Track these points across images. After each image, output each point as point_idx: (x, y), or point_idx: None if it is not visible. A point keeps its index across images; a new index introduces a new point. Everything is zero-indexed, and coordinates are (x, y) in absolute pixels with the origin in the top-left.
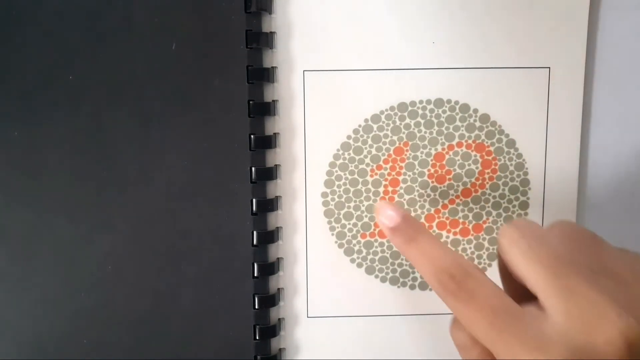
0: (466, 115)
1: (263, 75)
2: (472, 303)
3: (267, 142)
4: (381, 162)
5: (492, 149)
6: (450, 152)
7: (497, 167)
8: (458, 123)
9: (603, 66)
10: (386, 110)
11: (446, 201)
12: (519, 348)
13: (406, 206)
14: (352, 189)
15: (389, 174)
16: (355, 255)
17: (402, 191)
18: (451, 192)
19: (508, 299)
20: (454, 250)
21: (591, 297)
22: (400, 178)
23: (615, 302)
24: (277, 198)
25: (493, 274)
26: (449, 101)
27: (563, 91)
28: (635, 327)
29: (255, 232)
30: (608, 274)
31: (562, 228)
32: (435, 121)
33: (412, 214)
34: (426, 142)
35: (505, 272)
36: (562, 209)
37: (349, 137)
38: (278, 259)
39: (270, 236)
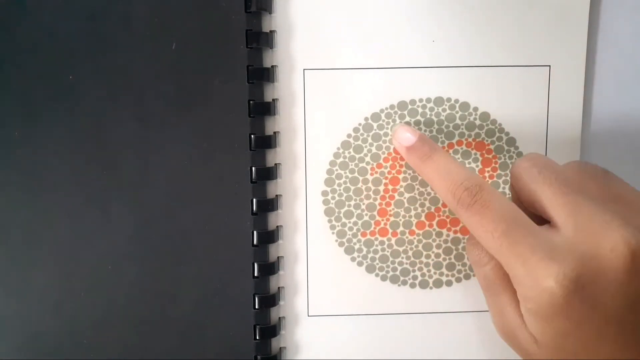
0: (466, 113)
1: (263, 75)
2: (486, 214)
3: (268, 141)
4: (381, 161)
5: (492, 147)
6: (451, 151)
7: (497, 166)
8: (458, 121)
9: (603, 64)
10: (386, 108)
11: None
12: (530, 256)
13: (406, 204)
14: (352, 188)
15: (389, 172)
16: (355, 254)
17: (402, 189)
18: None
19: (520, 212)
20: (467, 167)
21: (597, 211)
22: (401, 176)
23: (623, 217)
24: (277, 197)
25: None
26: (449, 99)
27: (563, 89)
28: (638, 236)
29: (255, 232)
30: (617, 201)
31: (575, 163)
32: (435, 119)
33: (412, 212)
34: None
35: (518, 203)
36: None
37: (349, 135)
38: (278, 258)
39: (270, 236)
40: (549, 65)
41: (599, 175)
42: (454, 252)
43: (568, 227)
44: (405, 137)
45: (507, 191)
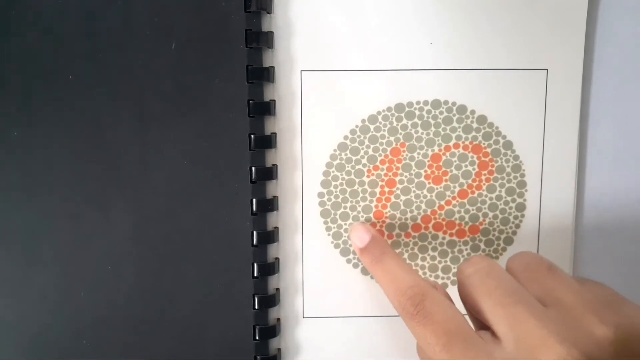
0: (463, 116)
1: (263, 75)
2: (428, 325)
3: (267, 141)
4: (378, 163)
5: (489, 150)
6: (447, 154)
7: (494, 169)
8: (455, 124)
9: (601, 68)
10: (383, 110)
11: (443, 202)
12: None
13: (402, 207)
14: (348, 190)
15: (385, 175)
16: (351, 256)
17: (398, 192)
18: (448, 193)
19: (464, 323)
20: (416, 273)
21: (536, 325)
22: (397, 179)
23: (559, 331)
24: (275, 198)
25: None
26: (446, 102)
27: (561, 93)
28: (575, 354)
29: (255, 232)
30: (557, 305)
31: (519, 259)
32: (432, 122)
33: (409, 214)
34: (423, 143)
35: (464, 305)
36: (559, 210)
37: (346, 137)
38: (276, 259)
39: (269, 236)
40: (547, 69)
41: (542, 272)
42: (450, 255)
43: (509, 341)
44: (359, 236)
45: (504, 194)
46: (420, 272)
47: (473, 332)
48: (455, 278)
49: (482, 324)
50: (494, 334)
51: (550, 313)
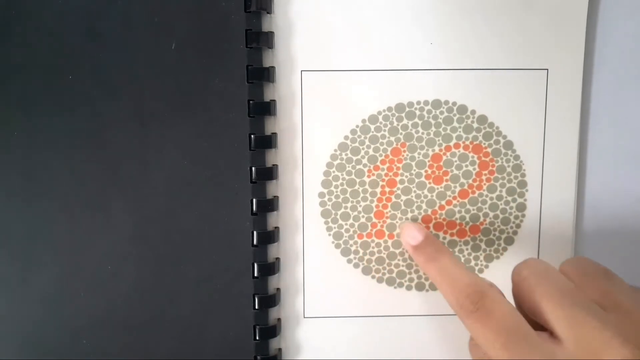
0: (464, 116)
1: (263, 75)
2: (488, 323)
3: (267, 141)
4: (378, 163)
5: (489, 150)
6: (448, 153)
7: (494, 169)
8: (455, 124)
9: (601, 68)
10: (384, 110)
11: (443, 202)
12: None
13: (403, 207)
14: (349, 190)
15: (386, 175)
16: (352, 256)
17: (399, 192)
18: (448, 193)
19: (523, 322)
20: (473, 272)
21: (597, 326)
22: (398, 179)
23: (622, 333)
24: (275, 198)
25: (490, 275)
26: (446, 102)
27: (561, 93)
28: (637, 354)
29: (255, 232)
30: (615, 308)
31: (575, 264)
32: (433, 122)
33: (409, 214)
34: (423, 143)
35: (520, 309)
36: (560, 210)
37: (346, 137)
38: (276, 259)
39: (270, 236)
40: (547, 69)
41: (598, 277)
42: None
43: (569, 342)
44: (412, 235)
45: (505, 194)
46: (421, 272)
47: (533, 332)
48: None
49: (537, 327)
50: (552, 335)
51: (610, 316)
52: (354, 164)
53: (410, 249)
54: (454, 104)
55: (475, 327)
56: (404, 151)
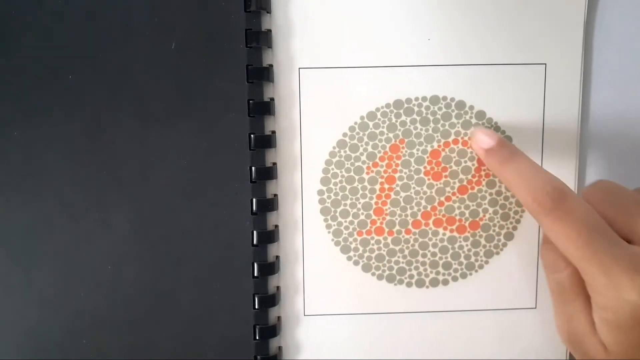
0: (462, 112)
1: (263, 75)
2: (569, 221)
3: (267, 141)
4: (377, 160)
5: None
6: (447, 149)
7: None
8: (454, 120)
9: (600, 62)
10: (382, 107)
11: (442, 198)
12: (613, 267)
13: (402, 203)
14: (348, 187)
15: (385, 172)
16: (351, 253)
17: (398, 188)
18: (447, 189)
19: (603, 222)
20: (548, 172)
21: None
22: (397, 175)
23: None
24: (275, 197)
25: (490, 271)
26: (444, 98)
27: (559, 88)
28: None
29: (255, 232)
30: None
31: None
32: (431, 118)
33: (409, 211)
34: (422, 139)
35: None
36: None
37: (344, 134)
38: (277, 257)
39: (270, 236)
40: (545, 64)
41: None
42: (450, 251)
43: None
44: (483, 139)
45: (504, 189)
46: (421, 269)
47: (614, 232)
48: (457, 274)
49: None
50: (630, 242)
51: None
52: (352, 161)
53: (482, 153)
54: (452, 99)
55: (554, 225)
56: (403, 148)
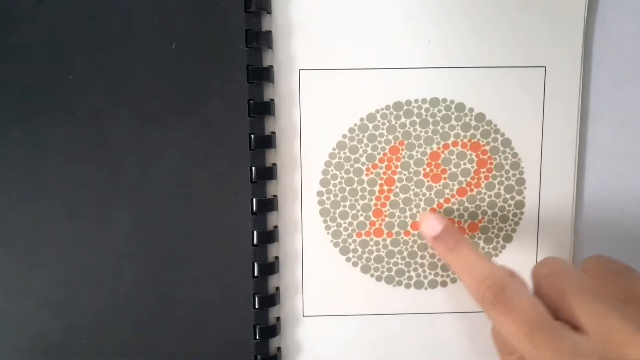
0: (462, 114)
1: (263, 75)
2: (509, 315)
3: (267, 141)
4: (377, 161)
5: (487, 148)
6: (446, 151)
7: (492, 166)
8: (453, 122)
9: (600, 65)
10: (382, 109)
11: (441, 200)
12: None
13: (402, 205)
14: (347, 188)
15: (384, 173)
16: (350, 254)
17: (397, 190)
18: (446, 191)
19: (544, 312)
20: (493, 261)
21: (620, 320)
22: (396, 177)
23: None
24: (275, 197)
25: None
26: (444, 100)
27: (559, 90)
28: None
29: (255, 232)
30: (638, 303)
31: (596, 262)
32: (431, 120)
33: (408, 212)
34: (421, 141)
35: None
36: (558, 208)
37: (344, 136)
38: (276, 258)
39: (270, 235)
40: (544, 66)
41: (619, 274)
42: None
43: (595, 334)
44: (432, 225)
45: (503, 192)
46: (420, 270)
47: (556, 322)
48: (456, 276)
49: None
50: (574, 328)
51: (633, 310)
52: (352, 162)
53: (430, 239)
54: (452, 101)
55: (497, 318)
56: (402, 149)
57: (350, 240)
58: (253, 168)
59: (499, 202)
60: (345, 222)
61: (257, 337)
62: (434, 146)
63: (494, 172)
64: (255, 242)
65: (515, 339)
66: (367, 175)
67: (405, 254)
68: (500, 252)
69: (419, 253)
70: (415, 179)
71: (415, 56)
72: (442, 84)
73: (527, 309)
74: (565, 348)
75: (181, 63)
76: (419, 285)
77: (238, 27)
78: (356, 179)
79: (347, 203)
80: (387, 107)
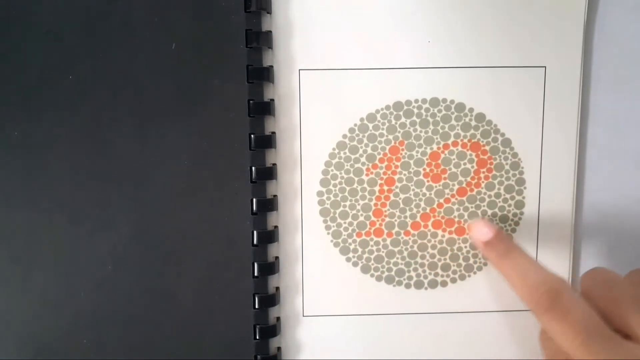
0: (462, 114)
1: (263, 75)
2: (565, 321)
3: (267, 141)
4: (377, 161)
5: (487, 148)
6: (446, 151)
7: (492, 167)
8: (453, 122)
9: (600, 64)
10: (382, 109)
11: (442, 200)
12: None
13: (402, 205)
14: (347, 188)
15: (384, 173)
16: (350, 254)
17: (397, 190)
18: (447, 191)
19: (600, 321)
20: (546, 268)
21: None
22: (396, 177)
23: None
24: (275, 197)
25: (488, 273)
26: (444, 100)
27: (559, 90)
28: None
29: (255, 232)
30: None
31: (636, 275)
32: (431, 120)
33: (408, 212)
34: (422, 141)
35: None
36: (559, 208)
37: (344, 136)
38: (276, 258)
39: (270, 235)
40: (545, 66)
41: None
42: (449, 253)
43: None
44: (483, 232)
45: (503, 192)
46: (420, 270)
47: (610, 331)
48: (456, 276)
49: None
50: (626, 337)
51: None
52: (352, 162)
53: (481, 245)
54: (452, 102)
55: (551, 324)
56: (402, 149)
57: (350, 240)
58: (253, 168)
59: (499, 202)
60: (345, 222)
61: (257, 337)
62: (434, 146)
63: (494, 172)
64: (255, 242)
65: (571, 346)
66: (367, 175)
67: (405, 254)
68: None
69: (419, 253)
70: (415, 179)
71: (415, 56)
72: (442, 84)
73: (583, 317)
74: (621, 356)
75: (181, 63)
76: (419, 285)
77: (238, 27)
78: (356, 179)
79: (347, 203)
80: (387, 107)
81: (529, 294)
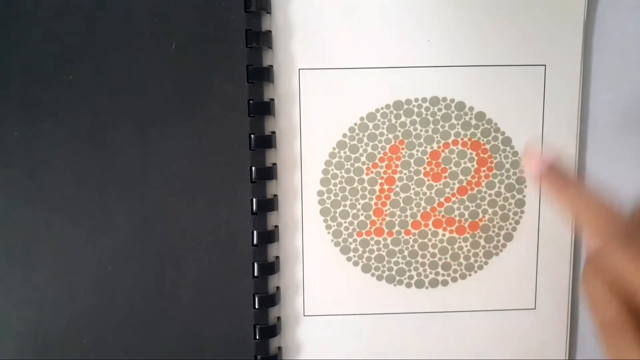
0: (462, 113)
1: (263, 75)
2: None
3: (267, 141)
4: (377, 161)
5: (487, 147)
6: (446, 150)
7: (493, 165)
8: (454, 121)
9: (600, 63)
10: (382, 108)
11: (442, 199)
12: None
13: (402, 204)
14: (348, 188)
15: (384, 172)
16: (351, 254)
17: (398, 189)
18: (447, 190)
19: None
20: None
21: None
22: (396, 176)
23: None
24: (275, 197)
25: (489, 271)
26: (444, 99)
27: (559, 89)
28: None
29: (255, 232)
30: None
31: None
32: (431, 119)
33: (408, 212)
34: (422, 140)
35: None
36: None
37: (344, 135)
38: (276, 257)
39: (270, 235)
40: (545, 65)
41: None
42: (450, 252)
43: None
44: (537, 164)
45: (504, 190)
46: (420, 269)
47: None
48: (457, 275)
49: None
50: None
51: None
52: (352, 162)
53: (544, 169)
54: (452, 100)
55: (627, 259)
56: (403, 149)
57: (350, 240)
58: (253, 168)
59: (500, 200)
60: (345, 222)
61: (257, 337)
62: (435, 145)
63: (494, 170)
64: (255, 242)
65: None
66: (367, 174)
67: (406, 253)
68: (501, 250)
69: (420, 252)
70: (415, 178)
71: (415, 55)
72: (442, 83)
73: None
74: None
75: (181, 63)
76: (419, 284)
77: (238, 27)
78: (356, 178)
79: (348, 202)
80: (388, 106)
81: (597, 228)
